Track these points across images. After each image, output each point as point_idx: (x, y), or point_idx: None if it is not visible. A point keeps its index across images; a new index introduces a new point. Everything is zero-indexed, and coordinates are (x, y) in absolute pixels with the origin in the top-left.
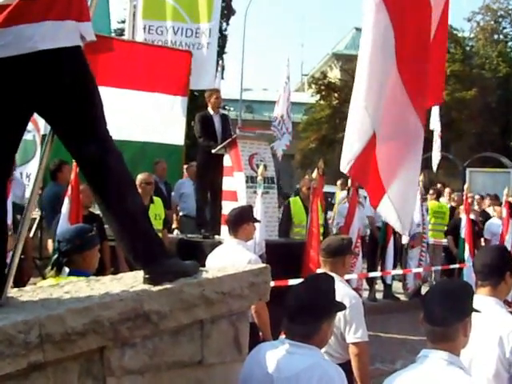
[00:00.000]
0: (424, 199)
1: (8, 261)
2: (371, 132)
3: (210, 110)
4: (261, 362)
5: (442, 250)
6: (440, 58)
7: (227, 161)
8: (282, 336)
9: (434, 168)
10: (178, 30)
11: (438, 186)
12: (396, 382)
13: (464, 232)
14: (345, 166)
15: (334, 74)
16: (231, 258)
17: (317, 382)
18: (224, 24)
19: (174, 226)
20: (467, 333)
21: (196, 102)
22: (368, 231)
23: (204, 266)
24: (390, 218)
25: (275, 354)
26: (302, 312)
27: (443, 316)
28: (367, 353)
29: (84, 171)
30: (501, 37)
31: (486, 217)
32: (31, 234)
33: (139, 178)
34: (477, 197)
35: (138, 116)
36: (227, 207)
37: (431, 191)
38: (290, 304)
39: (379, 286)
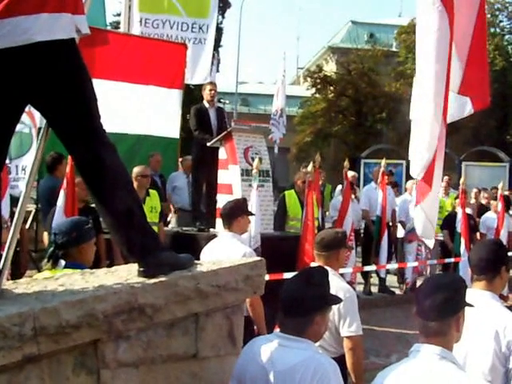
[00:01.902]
0: None
1: (3, 253)
2: (436, 140)
3: (206, 103)
4: (255, 356)
5: (438, 244)
6: (483, 61)
7: (222, 154)
8: (277, 329)
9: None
10: (174, 24)
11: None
12: (389, 375)
13: (460, 226)
14: (417, 173)
15: (330, 68)
16: (226, 251)
17: (311, 376)
18: (219, 17)
19: (170, 217)
20: (460, 327)
21: (192, 95)
22: (362, 225)
23: (199, 259)
24: (419, 224)
25: (269, 347)
26: (295, 305)
27: (436, 310)
28: (361, 346)
29: (78, 166)
30: (497, 30)
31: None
32: (27, 227)
33: (135, 170)
34: (475, 190)
35: (134, 109)
36: (222, 200)
37: None
38: (283, 297)
39: (374, 279)
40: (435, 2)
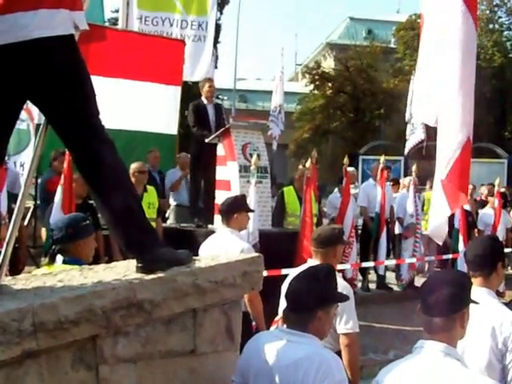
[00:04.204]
0: (418, 190)
1: (2, 250)
2: (465, 138)
3: (204, 100)
4: (259, 351)
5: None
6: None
7: (220, 150)
8: (275, 325)
9: (405, 153)
10: (173, 22)
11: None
12: (392, 372)
13: (458, 222)
14: (444, 173)
15: (328, 64)
16: (224, 247)
17: (316, 371)
18: (218, 14)
19: (168, 213)
20: (464, 324)
21: (190, 92)
22: (360, 221)
23: (197, 255)
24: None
25: (273, 342)
26: (298, 300)
27: (441, 306)
28: (357, 343)
29: (77, 162)
30: (496, 26)
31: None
32: (25, 223)
33: (132, 167)
34: (470, 187)
35: (131, 105)
36: (220, 196)
37: (428, 183)
38: (287, 292)
39: (372, 276)
40: (458, 2)
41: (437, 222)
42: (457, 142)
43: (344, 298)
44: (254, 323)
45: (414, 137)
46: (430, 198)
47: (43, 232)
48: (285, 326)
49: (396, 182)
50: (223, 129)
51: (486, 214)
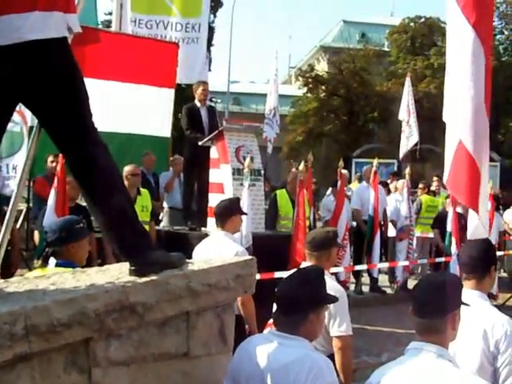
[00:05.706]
0: (412, 193)
1: None
2: (457, 141)
3: (197, 103)
4: (250, 354)
5: (428, 243)
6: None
7: (214, 153)
8: (268, 328)
9: (401, 156)
10: (167, 25)
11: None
12: (385, 374)
13: (451, 225)
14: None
15: (322, 67)
16: (218, 250)
17: (306, 374)
18: (211, 16)
19: (161, 216)
20: (456, 326)
21: (183, 94)
22: (354, 224)
23: (191, 258)
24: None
25: (264, 346)
26: (289, 303)
27: (431, 309)
28: (351, 346)
29: (71, 165)
30: None
31: None
32: (18, 226)
33: (126, 169)
34: None
35: (125, 108)
36: (214, 199)
37: (421, 185)
38: (278, 295)
39: (365, 278)
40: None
41: (472, 224)
42: (455, 145)
43: (334, 299)
44: (247, 326)
45: (412, 139)
46: (427, 201)
47: (36, 235)
48: (269, 329)
49: (385, 185)
50: (216, 131)
51: None
